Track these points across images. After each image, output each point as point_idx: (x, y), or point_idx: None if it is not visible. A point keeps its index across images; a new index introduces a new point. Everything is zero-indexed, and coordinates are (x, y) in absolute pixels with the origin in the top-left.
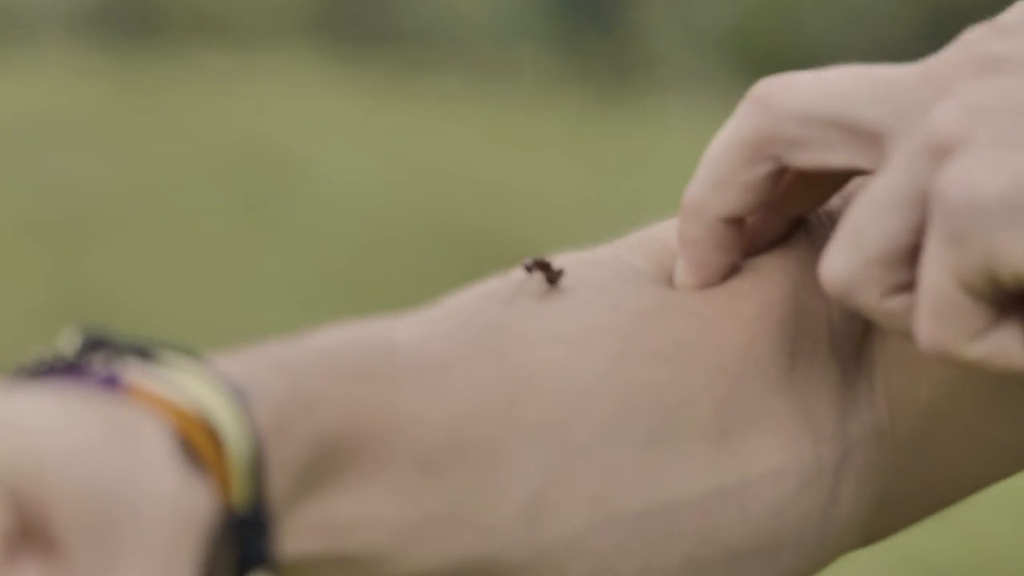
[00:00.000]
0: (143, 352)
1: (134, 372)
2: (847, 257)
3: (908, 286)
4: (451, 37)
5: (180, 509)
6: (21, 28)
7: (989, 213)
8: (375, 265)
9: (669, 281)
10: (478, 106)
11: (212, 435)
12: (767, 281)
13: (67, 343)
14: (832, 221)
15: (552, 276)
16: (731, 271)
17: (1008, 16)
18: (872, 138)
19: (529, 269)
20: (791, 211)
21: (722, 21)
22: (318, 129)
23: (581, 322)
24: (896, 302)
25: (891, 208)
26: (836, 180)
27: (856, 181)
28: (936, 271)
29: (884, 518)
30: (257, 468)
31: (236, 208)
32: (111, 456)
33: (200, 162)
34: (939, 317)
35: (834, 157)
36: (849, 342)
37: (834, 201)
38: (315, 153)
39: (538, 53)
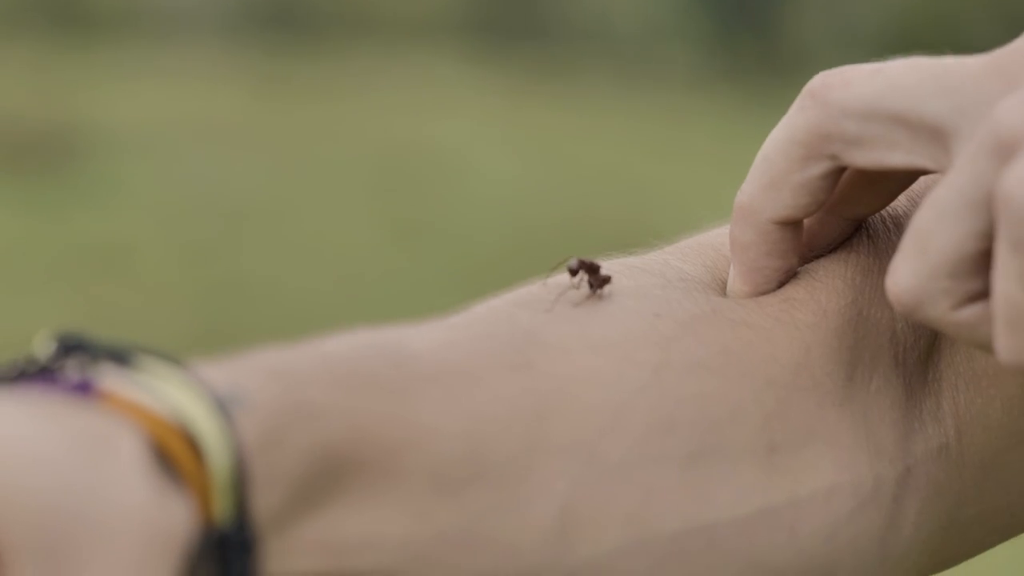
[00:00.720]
0: (120, 357)
1: (109, 378)
2: (913, 268)
3: (981, 295)
4: (599, 37)
5: (151, 524)
6: (170, 29)
7: None
8: (519, 264)
9: (722, 289)
10: (625, 106)
11: (191, 445)
12: (825, 288)
13: (41, 347)
14: (897, 225)
15: (596, 280)
16: (786, 277)
17: None
18: (936, 135)
19: (574, 272)
20: (852, 213)
21: (876, 20)
22: (464, 129)
23: (620, 330)
24: (968, 313)
25: (956, 213)
26: (901, 180)
27: (924, 180)
28: (1006, 280)
29: (954, 542)
30: (241, 481)
31: (382, 206)
32: (73, 466)
33: (347, 161)
34: (1014, 329)
35: (895, 156)
36: (914, 355)
37: (900, 202)
38: (461, 152)
39: (686, 53)
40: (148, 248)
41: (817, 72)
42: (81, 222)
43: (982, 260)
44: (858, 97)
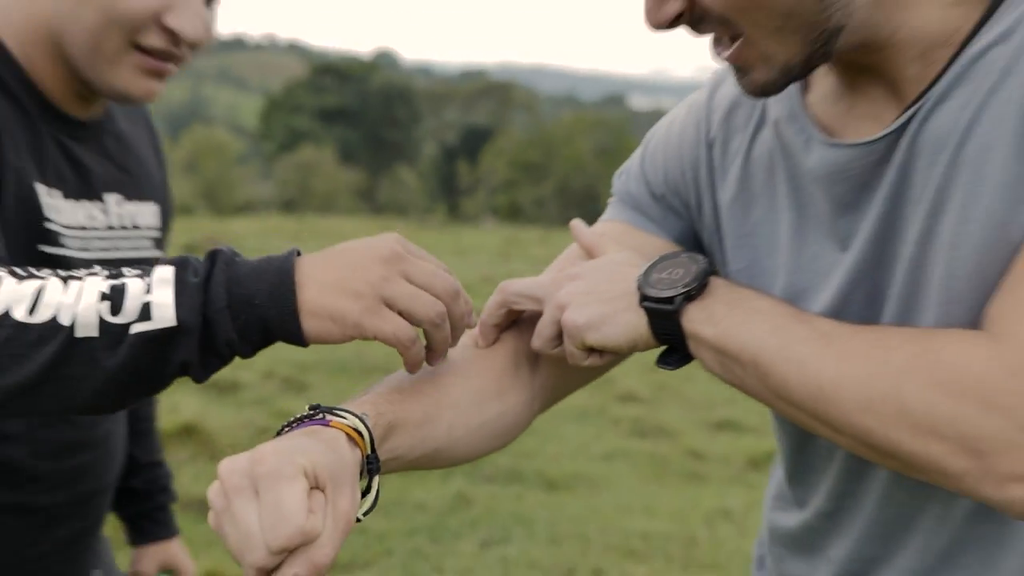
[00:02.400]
0: (332, 410)
1: (332, 417)
2: (538, 341)
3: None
4: None
5: (352, 458)
6: None
7: (579, 328)
8: None
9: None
10: None
11: (359, 435)
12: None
13: (303, 409)
14: (532, 322)
15: None
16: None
17: (581, 265)
18: (539, 300)
19: None
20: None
21: None
22: None
23: None
24: (560, 349)
25: (550, 325)
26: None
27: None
28: (569, 346)
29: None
30: (373, 442)
31: None
32: (330, 449)
33: None
34: (574, 357)
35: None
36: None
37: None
38: None
39: None
40: None
41: None
42: None
43: (559, 336)
44: (517, 288)
